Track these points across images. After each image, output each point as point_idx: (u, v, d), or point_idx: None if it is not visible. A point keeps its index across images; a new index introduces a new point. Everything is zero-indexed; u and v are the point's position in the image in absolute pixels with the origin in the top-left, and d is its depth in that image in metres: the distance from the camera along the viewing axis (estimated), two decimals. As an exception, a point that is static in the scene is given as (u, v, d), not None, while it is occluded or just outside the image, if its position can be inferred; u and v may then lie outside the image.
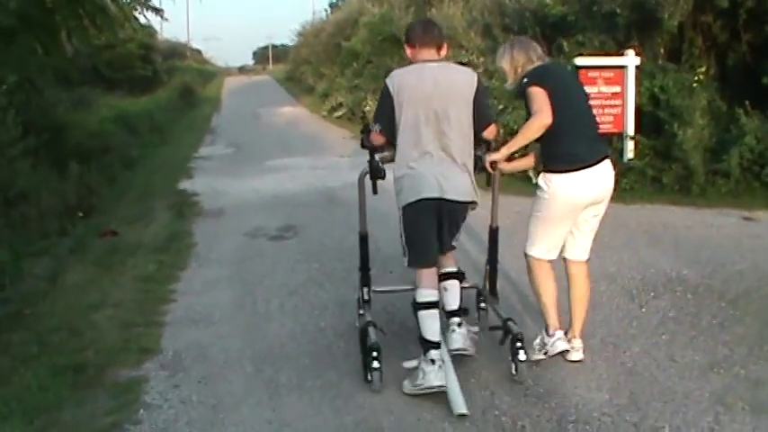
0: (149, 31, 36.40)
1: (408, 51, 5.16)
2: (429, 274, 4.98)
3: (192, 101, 34.21)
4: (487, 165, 5.12)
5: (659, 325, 6.09)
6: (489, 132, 5.11)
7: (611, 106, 11.89)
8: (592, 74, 11.85)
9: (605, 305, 6.55)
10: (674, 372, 5.20)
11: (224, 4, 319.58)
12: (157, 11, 11.71)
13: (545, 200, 5.13)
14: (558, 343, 5.29)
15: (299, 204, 11.52)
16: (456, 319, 5.18)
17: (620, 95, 11.87)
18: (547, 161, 5.10)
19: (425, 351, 4.82)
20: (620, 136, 12.00)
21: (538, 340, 5.41)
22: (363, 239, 5.66)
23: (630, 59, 11.84)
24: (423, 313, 4.85)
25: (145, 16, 14.00)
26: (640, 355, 5.50)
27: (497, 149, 5.15)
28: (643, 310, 6.45)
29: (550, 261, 5.35)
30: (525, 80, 5.07)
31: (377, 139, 5.07)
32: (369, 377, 5.01)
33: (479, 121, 4.99)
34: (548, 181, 5.08)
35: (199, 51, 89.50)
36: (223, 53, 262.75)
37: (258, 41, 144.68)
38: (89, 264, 8.49)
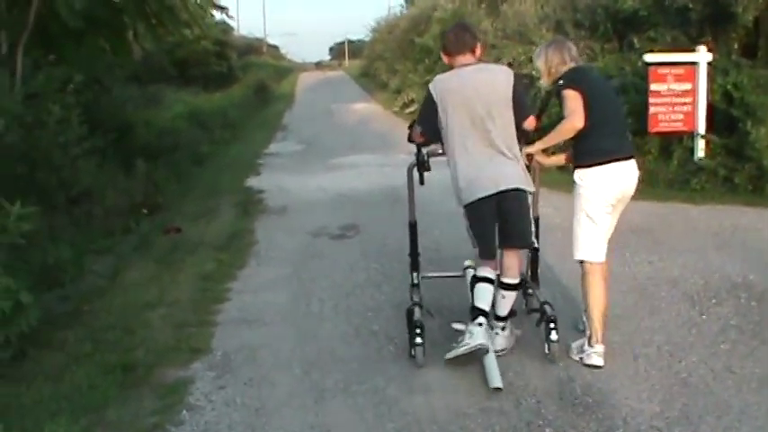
0: (224, 27, 36.89)
1: (445, 59, 5.48)
2: (488, 260, 5.36)
3: (265, 97, 34.41)
4: (523, 157, 5.41)
5: (719, 333, 5.88)
6: (529, 123, 5.41)
7: (681, 104, 11.58)
8: (662, 70, 11.57)
9: (664, 311, 6.36)
10: (732, 384, 5.00)
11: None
12: (222, 9, 11.72)
13: (581, 195, 5.33)
14: (594, 356, 5.34)
15: (364, 203, 11.48)
16: (501, 324, 5.46)
17: (692, 93, 11.54)
18: (579, 157, 5.33)
19: (474, 317, 5.20)
20: (691, 134, 11.70)
21: (579, 343, 5.51)
22: (413, 227, 6.13)
23: (702, 55, 11.50)
24: (479, 285, 5.26)
25: (226, 14, 13.96)
26: (697, 364, 5.31)
27: (532, 143, 5.52)
28: (704, 317, 6.24)
29: (601, 264, 5.45)
30: (561, 82, 5.31)
31: (418, 138, 5.56)
32: (413, 352, 5.38)
33: (519, 115, 5.30)
34: (582, 176, 5.30)
35: (276, 47, 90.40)
36: (300, 49, 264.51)
37: (335, 37, 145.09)
38: (150, 261, 8.57)
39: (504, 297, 5.40)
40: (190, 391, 5.18)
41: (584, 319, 5.54)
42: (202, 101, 24.67)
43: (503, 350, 5.42)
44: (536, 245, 5.77)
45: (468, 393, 4.98)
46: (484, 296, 5.24)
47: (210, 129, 20.57)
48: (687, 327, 6.03)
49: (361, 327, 6.28)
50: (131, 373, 5.48)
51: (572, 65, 5.42)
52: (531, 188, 5.38)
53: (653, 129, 11.69)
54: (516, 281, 5.44)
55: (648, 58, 11.75)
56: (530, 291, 6.15)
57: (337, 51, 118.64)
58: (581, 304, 5.73)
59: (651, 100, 11.61)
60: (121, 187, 10.36)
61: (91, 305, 7.07)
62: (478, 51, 5.39)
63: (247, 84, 34.66)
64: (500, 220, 5.29)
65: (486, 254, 5.36)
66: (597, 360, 5.31)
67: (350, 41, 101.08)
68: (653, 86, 11.61)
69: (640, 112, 11.72)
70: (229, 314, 6.76)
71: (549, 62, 5.45)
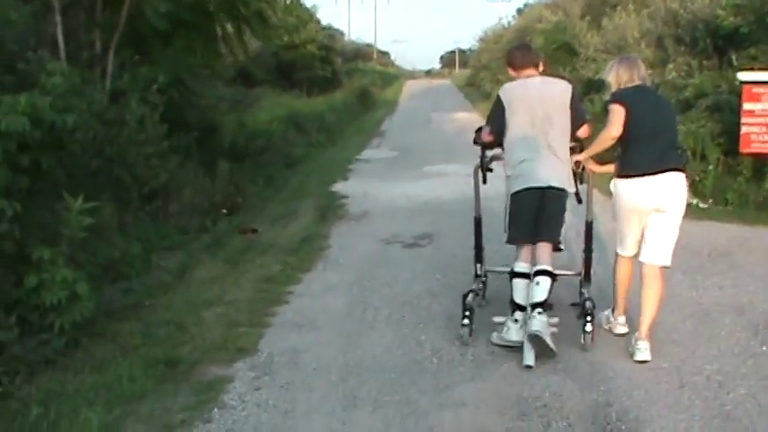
0: (330, 33, 37.39)
1: (511, 72, 6.25)
2: (526, 251, 5.96)
3: (367, 103, 34.69)
4: (573, 164, 6.06)
5: (776, 366, 5.64)
6: (583, 131, 6.11)
7: (776, 124, 11.17)
8: (756, 89, 11.18)
9: (723, 339, 6.14)
10: (776, 421, 4.80)
11: (414, 7, 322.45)
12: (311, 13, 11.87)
13: (615, 201, 5.93)
14: (619, 327, 6.19)
15: (445, 212, 11.42)
16: (538, 309, 5.68)
17: (790, 113, 11.12)
18: (617, 167, 5.86)
19: (512, 311, 5.80)
20: (788, 156, 11.31)
21: (606, 313, 6.31)
22: (477, 222, 6.68)
23: (801, 74, 11.10)
24: (516, 281, 5.85)
25: (312, 19, 14.15)
26: (744, 398, 5.11)
27: (581, 150, 6.11)
28: (764, 348, 5.99)
29: (629, 258, 6.06)
30: (610, 97, 5.85)
31: (486, 137, 6.21)
32: (461, 332, 6.00)
33: (575, 122, 6.01)
34: (615, 185, 5.86)
35: (386, 53, 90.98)
36: (411, 56, 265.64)
37: (446, 45, 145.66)
38: (220, 261, 8.73)
39: (538, 283, 5.76)
40: (226, 390, 5.25)
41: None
42: (302, 104, 24.99)
43: (538, 331, 5.56)
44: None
45: (500, 412, 4.91)
46: (520, 291, 5.81)
47: (307, 132, 20.84)
48: (743, 357, 5.79)
49: (408, 337, 6.26)
50: (173, 368, 5.59)
51: (638, 83, 5.83)
52: (571, 189, 6.04)
53: (744, 149, 11.35)
54: (547, 267, 5.83)
55: (743, 76, 11.41)
56: (582, 290, 6.45)
57: (447, 60, 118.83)
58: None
59: (744, 119, 11.26)
60: (200, 186, 10.56)
61: (152, 300, 7.24)
62: (541, 67, 6.20)
63: (350, 89, 35.00)
64: (538, 214, 5.91)
65: (516, 237, 6.05)
66: (621, 329, 6.16)
67: (460, 51, 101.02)
68: (746, 105, 11.26)
69: (734, 131, 11.39)
70: (284, 317, 6.83)
71: (619, 78, 5.86)
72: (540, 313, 5.65)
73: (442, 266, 8.36)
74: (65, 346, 5.80)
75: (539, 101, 5.95)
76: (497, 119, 6.10)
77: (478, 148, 6.51)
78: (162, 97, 9.84)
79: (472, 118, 29.02)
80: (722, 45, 14.35)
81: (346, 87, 35.73)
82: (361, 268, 8.42)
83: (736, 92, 11.92)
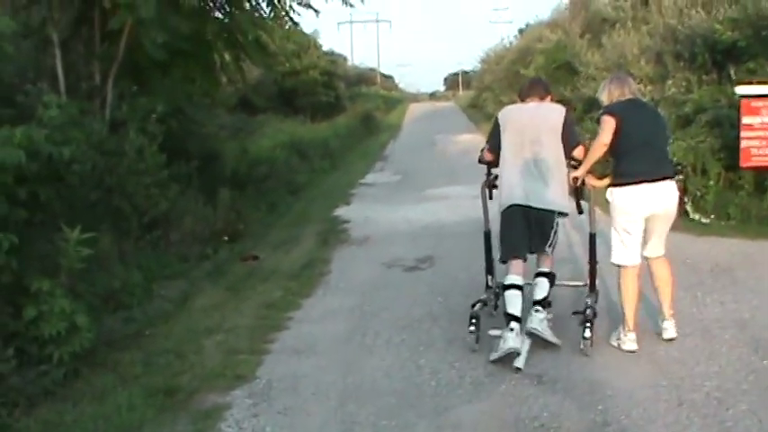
0: (333, 58, 37.52)
1: (519, 103, 6.68)
2: (515, 265, 6.24)
3: (371, 127, 34.79)
4: (570, 180, 6.31)
5: (777, 382, 5.62)
6: (578, 152, 6.33)
7: (775, 138, 11.15)
8: (755, 103, 11.14)
9: (724, 356, 6.11)
10: (776, 437, 4.77)
11: (417, 31, 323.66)
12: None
13: (613, 210, 6.20)
14: (628, 343, 6.22)
15: (446, 235, 11.43)
16: (537, 307, 6.15)
17: (789, 127, 11.10)
18: (612, 177, 6.20)
19: (507, 322, 6.02)
20: (785, 171, 11.28)
21: (616, 331, 6.37)
22: (487, 236, 7.02)
23: (801, 87, 11.09)
24: (508, 293, 6.13)
25: (315, 45, 14.24)
26: (745, 414, 5.07)
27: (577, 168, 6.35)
28: (765, 363, 5.96)
29: (634, 267, 6.25)
30: (603, 110, 6.24)
31: (487, 155, 6.65)
32: (468, 339, 6.30)
33: (568, 145, 6.27)
34: (612, 194, 6.16)
35: (390, 77, 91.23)
36: (415, 79, 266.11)
37: (450, 67, 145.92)
38: (221, 288, 8.76)
39: (537, 284, 6.25)
40: (224, 418, 5.26)
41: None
42: (305, 130, 25.09)
43: (536, 329, 6.05)
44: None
45: (496, 434, 4.91)
46: (513, 302, 6.07)
47: (310, 158, 20.90)
48: (744, 373, 5.75)
49: (407, 360, 6.26)
50: (173, 397, 5.61)
51: (630, 97, 6.25)
52: (564, 210, 6.33)
53: (744, 163, 11.30)
54: (547, 269, 6.31)
55: (741, 90, 11.38)
56: (587, 300, 6.63)
57: (451, 82, 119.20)
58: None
59: (743, 134, 11.20)
60: (201, 214, 10.60)
61: (153, 329, 7.26)
62: (548, 100, 6.59)
63: (354, 114, 35.11)
64: (530, 231, 6.24)
65: (507, 254, 6.30)
66: (631, 346, 6.19)
67: (464, 72, 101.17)
68: (745, 119, 11.21)
69: (734, 146, 11.39)
70: (283, 343, 6.84)
71: (611, 95, 6.28)
72: (537, 311, 6.13)
73: (442, 289, 8.35)
74: (64, 376, 5.83)
75: (530, 123, 6.32)
76: (495, 137, 6.51)
77: (483, 168, 6.91)
78: (161, 127, 9.89)
79: (475, 139, 29.02)
80: (721, 60, 14.35)
81: (350, 112, 35.85)
82: (362, 292, 8.43)
83: (736, 106, 11.91)
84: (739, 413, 5.09)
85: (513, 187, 6.27)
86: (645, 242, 6.32)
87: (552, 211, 6.23)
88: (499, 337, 6.07)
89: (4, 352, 5.55)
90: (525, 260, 6.32)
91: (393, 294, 8.28)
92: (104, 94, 10.27)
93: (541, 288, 6.25)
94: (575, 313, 6.57)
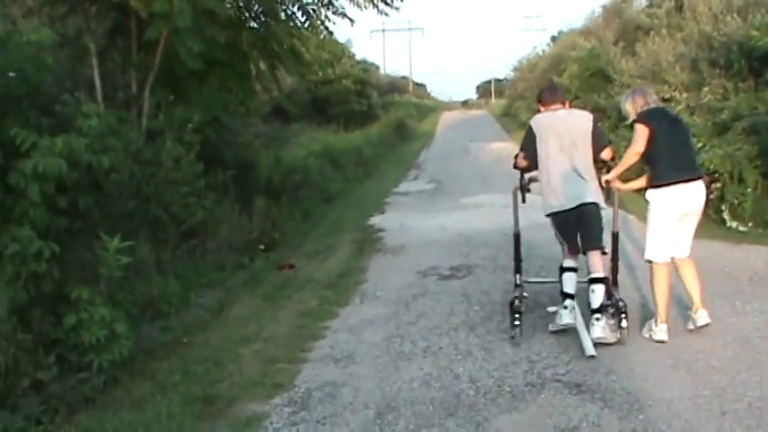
0: (365, 67, 37.55)
1: (540, 107, 7.20)
2: (570, 252, 6.82)
3: (404, 135, 34.82)
4: (603, 182, 6.89)
5: (821, 392, 5.53)
6: (606, 154, 6.95)
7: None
8: (793, 110, 11.06)
9: (765, 365, 6.01)
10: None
11: (449, 39, 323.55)
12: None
13: (651, 210, 6.65)
14: (659, 333, 6.60)
15: (481, 243, 11.38)
16: (597, 315, 6.48)
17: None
18: (651, 180, 6.66)
19: (563, 299, 6.70)
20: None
21: (648, 325, 6.77)
22: (517, 237, 7.45)
23: (838, 95, 10.99)
24: (565, 274, 6.76)
25: (348, 54, 14.31)
26: (788, 424, 5.02)
27: (608, 170, 6.95)
28: (809, 373, 5.89)
29: (666, 264, 6.67)
30: (636, 117, 6.72)
31: (521, 162, 7.13)
32: (512, 333, 6.76)
33: (598, 147, 6.87)
34: (651, 195, 6.62)
35: (422, 86, 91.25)
36: (447, 87, 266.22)
37: (482, 75, 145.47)
38: (257, 297, 8.79)
39: (593, 291, 6.58)
40: (263, 426, 5.28)
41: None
42: (338, 139, 25.13)
43: (602, 338, 6.40)
44: (606, 249, 6.88)
45: (537, 446, 4.88)
46: (568, 282, 6.73)
47: (343, 167, 20.94)
48: (786, 383, 5.70)
49: (445, 369, 6.24)
50: (212, 405, 5.64)
51: (653, 106, 6.78)
52: (602, 203, 6.83)
53: (783, 171, 11.22)
54: (602, 275, 6.63)
55: (777, 96, 11.30)
56: (610, 292, 6.87)
57: (483, 90, 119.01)
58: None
59: (781, 141, 11.14)
60: (237, 223, 10.64)
61: (190, 337, 7.30)
62: (567, 104, 7.21)
63: (386, 122, 35.15)
64: (580, 227, 6.76)
65: (573, 249, 6.82)
66: (662, 336, 6.58)
67: (496, 80, 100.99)
68: (783, 126, 11.14)
69: (774, 153, 11.30)
70: (321, 351, 6.85)
71: (635, 104, 6.81)
72: (598, 319, 6.47)
73: (479, 298, 8.32)
74: (103, 384, 5.88)
75: (565, 129, 6.85)
76: (530, 146, 6.98)
77: (515, 175, 7.32)
78: (197, 136, 9.96)
79: (508, 147, 28.89)
80: (757, 66, 14.20)
81: (383, 121, 35.87)
82: (398, 301, 8.41)
83: (773, 113, 11.82)
84: (783, 424, 5.02)
85: (560, 193, 6.77)
86: (675, 242, 6.72)
87: (598, 204, 6.78)
88: (555, 312, 6.82)
89: (45, 359, 5.60)
90: (579, 251, 6.83)
91: (429, 303, 8.26)
92: (141, 104, 10.37)
93: (599, 296, 6.57)
94: (607, 306, 6.65)
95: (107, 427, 5.27)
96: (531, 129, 7.03)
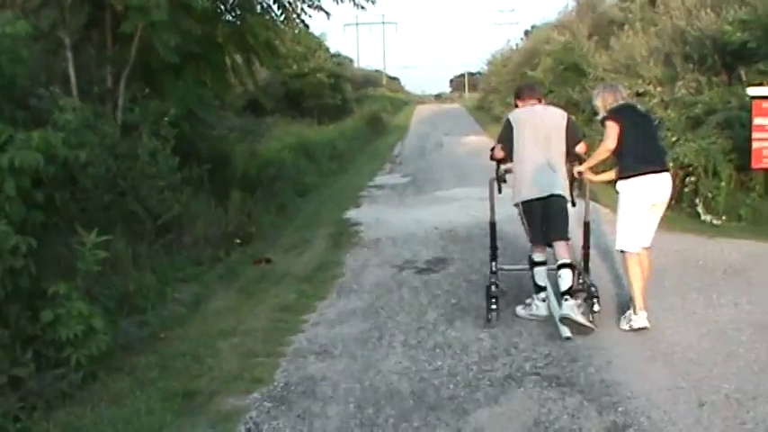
0: (339, 61, 37.46)
1: (518, 103, 7.58)
2: (540, 246, 7.18)
3: (378, 129, 34.79)
4: (576, 173, 7.22)
5: (797, 382, 5.60)
6: (580, 148, 7.28)
7: (786, 139, 11.14)
8: (767, 104, 11.14)
9: (741, 357, 6.08)
10: (798, 438, 4.75)
11: (422, 33, 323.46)
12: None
13: (621, 200, 6.90)
14: (639, 320, 6.78)
15: (457, 236, 11.41)
16: (566, 296, 6.81)
17: (799, 128, 11.10)
18: (619, 172, 6.91)
19: (537, 292, 7.11)
20: (796, 171, 11.27)
21: (626, 314, 6.94)
22: (492, 226, 7.69)
23: (813, 87, 11.10)
24: (537, 269, 7.14)
25: (320, 46, 14.27)
26: (766, 416, 5.05)
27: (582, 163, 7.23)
28: (785, 363, 5.95)
29: (637, 253, 6.88)
30: (606, 114, 6.99)
31: (498, 153, 7.39)
32: (488, 317, 7.12)
33: (571, 141, 7.22)
34: (621, 186, 6.86)
35: (396, 79, 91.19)
36: (420, 81, 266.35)
37: (455, 69, 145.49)
38: (234, 291, 8.76)
39: (561, 276, 6.91)
40: (243, 421, 5.25)
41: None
42: (312, 132, 25.07)
43: (568, 315, 6.68)
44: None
45: (516, 439, 4.91)
46: (540, 275, 7.12)
47: (318, 160, 20.90)
48: (763, 374, 5.73)
49: (424, 363, 6.24)
50: (191, 400, 5.60)
51: (621, 102, 7.07)
52: (568, 197, 7.22)
53: (756, 164, 11.30)
54: (568, 261, 6.99)
55: (752, 91, 11.38)
56: (581, 279, 7.25)
57: (457, 84, 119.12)
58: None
59: (754, 135, 11.20)
60: (213, 217, 10.59)
61: (168, 332, 7.25)
62: (543, 102, 7.65)
63: (361, 116, 35.11)
64: (547, 218, 7.10)
65: (537, 239, 7.21)
66: (642, 323, 6.77)
67: (470, 74, 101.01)
68: (756, 120, 11.20)
69: (745, 147, 11.37)
70: (300, 346, 6.83)
71: (605, 100, 7.11)
72: (566, 300, 6.79)
73: (456, 291, 8.35)
74: (82, 380, 5.80)
75: (541, 123, 7.21)
76: (507, 137, 7.29)
77: (490, 169, 7.54)
78: (173, 130, 9.89)
79: (483, 141, 28.98)
80: (731, 61, 14.34)
81: (357, 114, 35.83)
82: (376, 295, 8.41)
83: (747, 107, 11.89)
84: (760, 415, 5.08)
85: (532, 182, 7.10)
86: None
87: (564, 197, 7.17)
88: (530, 304, 7.17)
89: (22, 355, 5.54)
90: (545, 243, 7.19)
91: (407, 297, 8.27)
92: (116, 98, 10.28)
93: (566, 279, 6.89)
94: (578, 291, 7.02)
95: (86, 423, 5.23)
96: (508, 122, 7.35)
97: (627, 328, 6.81)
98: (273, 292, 8.64)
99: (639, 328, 6.73)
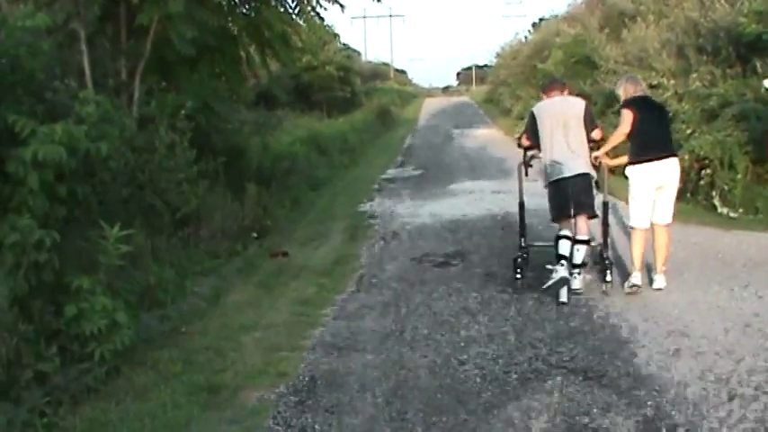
0: (348, 54, 37.34)
1: (543, 96, 8.48)
2: (565, 222, 7.82)
3: (387, 122, 34.72)
4: (593, 159, 7.91)
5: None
6: (596, 134, 8.00)
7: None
8: (782, 95, 11.08)
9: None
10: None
11: (429, 25, 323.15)
12: (335, 35, 11.93)
13: (630, 183, 7.81)
14: (634, 278, 7.73)
15: (473, 230, 11.38)
16: (578, 270, 7.65)
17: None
18: (629, 157, 7.80)
19: (558, 260, 7.57)
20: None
21: (627, 280, 7.79)
22: (521, 205, 8.49)
23: (828, 80, 11.04)
24: (561, 241, 7.68)
25: (338, 41, 14.24)
26: (775, 409, 5.01)
27: (598, 148, 8.02)
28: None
29: (645, 230, 7.79)
30: (622, 103, 7.94)
31: (525, 141, 8.31)
32: (517, 285, 7.97)
33: (588, 128, 7.91)
34: (630, 170, 7.78)
35: (403, 72, 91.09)
36: (428, 74, 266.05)
37: (463, 61, 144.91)
38: (252, 285, 8.73)
39: (578, 250, 7.63)
40: (271, 415, 5.22)
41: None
42: (323, 126, 25.02)
43: (578, 289, 7.61)
44: (598, 215, 7.96)
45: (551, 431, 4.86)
46: (563, 246, 7.64)
47: (329, 153, 20.85)
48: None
49: (450, 356, 6.21)
50: (216, 394, 5.57)
51: (640, 93, 7.98)
52: (594, 174, 7.90)
53: (771, 156, 11.26)
54: (586, 237, 7.76)
55: (768, 83, 11.33)
56: (601, 252, 8.11)
57: (464, 77, 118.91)
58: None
59: (771, 126, 11.18)
60: (230, 211, 10.55)
61: (189, 326, 7.22)
62: (566, 92, 8.34)
63: (370, 109, 35.02)
64: (573, 195, 7.72)
65: (558, 218, 7.92)
66: (636, 280, 7.70)
67: (477, 67, 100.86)
68: (773, 112, 11.17)
69: (761, 139, 11.31)
70: (322, 339, 6.80)
71: (626, 91, 7.97)
72: (579, 273, 7.65)
73: (476, 285, 8.31)
74: (106, 374, 5.78)
75: (560, 112, 7.94)
76: (532, 128, 8.10)
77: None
78: (190, 123, 9.85)
79: (493, 134, 29.07)
80: (745, 53, 14.25)
81: (366, 107, 35.73)
82: (396, 288, 8.38)
83: (762, 99, 11.85)
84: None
85: (557, 165, 7.78)
86: (654, 210, 7.76)
87: (590, 174, 7.85)
88: (552, 270, 7.55)
89: (47, 350, 5.51)
90: (571, 217, 7.81)
91: (427, 290, 8.23)
92: (131, 91, 10.23)
93: (581, 254, 7.65)
94: (595, 263, 8.15)
95: (112, 419, 5.19)
96: (533, 114, 8.20)
97: (628, 289, 7.71)
98: (292, 286, 8.61)
99: (633, 285, 7.67)
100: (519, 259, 8.11)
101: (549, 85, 8.58)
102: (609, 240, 8.32)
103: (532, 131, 8.12)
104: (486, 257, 9.49)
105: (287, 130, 20.92)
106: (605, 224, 8.20)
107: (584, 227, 7.82)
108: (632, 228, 7.96)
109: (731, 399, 5.18)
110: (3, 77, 6.35)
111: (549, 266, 7.63)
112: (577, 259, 7.64)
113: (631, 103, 7.83)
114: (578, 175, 7.77)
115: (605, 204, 8.16)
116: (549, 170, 7.90)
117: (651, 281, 7.86)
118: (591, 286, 7.89)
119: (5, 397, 5.17)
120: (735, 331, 6.50)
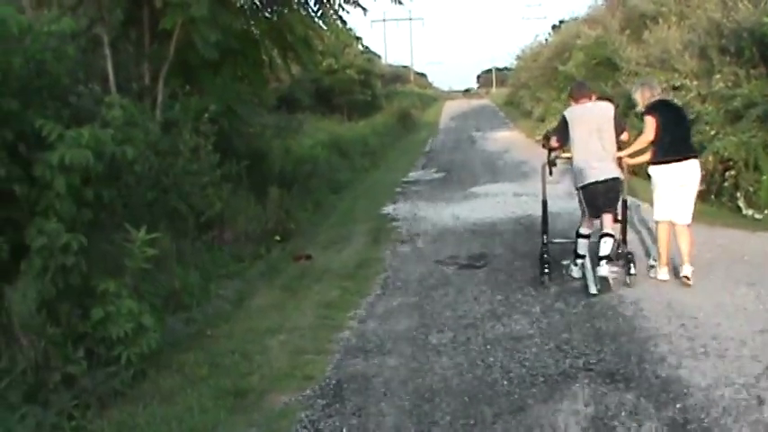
0: (369, 57, 37.33)
1: (571, 101, 8.64)
2: (588, 222, 8.35)
3: (408, 125, 34.71)
4: (615, 159, 8.18)
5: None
6: (624, 136, 8.33)
7: (830, 133, 10.98)
8: (808, 98, 10.97)
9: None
10: None
11: (448, 28, 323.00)
12: (357, 38, 11.95)
13: (653, 182, 8.12)
14: (660, 274, 8.12)
15: (496, 232, 11.35)
16: (604, 260, 7.88)
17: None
18: (652, 158, 8.07)
19: (575, 258, 8.40)
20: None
21: (653, 269, 8.27)
22: (544, 204, 8.78)
23: None
24: (580, 240, 8.38)
25: (361, 44, 14.23)
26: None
27: (621, 149, 8.33)
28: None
29: (668, 222, 8.04)
30: (644, 109, 8.18)
31: (554, 144, 8.54)
32: (542, 279, 8.28)
33: (618, 131, 8.19)
34: (652, 170, 8.08)
35: (424, 75, 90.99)
36: (447, 77, 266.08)
37: (483, 64, 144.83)
38: (276, 288, 8.73)
39: (604, 242, 7.94)
40: (298, 419, 5.22)
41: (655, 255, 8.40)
42: (343, 129, 25.04)
43: (604, 277, 7.83)
44: (619, 214, 8.32)
45: (578, 433, 4.83)
46: (582, 245, 8.34)
47: (351, 156, 20.86)
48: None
49: (477, 359, 6.18)
50: (243, 398, 5.58)
51: (657, 97, 8.24)
52: (622, 177, 8.19)
53: (798, 158, 11.17)
54: (610, 231, 8.04)
55: (791, 84, 11.23)
56: (619, 246, 8.36)
57: (484, 79, 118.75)
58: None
59: (796, 128, 11.09)
60: (253, 214, 10.58)
61: (214, 329, 7.23)
62: (593, 97, 8.58)
63: (391, 112, 35.03)
64: (602, 196, 8.05)
65: (591, 215, 8.23)
66: (663, 276, 8.11)
67: (497, 69, 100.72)
68: (798, 114, 11.08)
69: (788, 141, 11.23)
70: (348, 343, 6.79)
71: (643, 96, 8.26)
72: (606, 263, 7.87)
73: (501, 287, 8.28)
74: (132, 377, 5.81)
75: (592, 117, 8.22)
76: (563, 131, 8.37)
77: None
78: (213, 126, 9.87)
79: (515, 136, 28.97)
80: (768, 53, 14.10)
81: (387, 110, 35.74)
82: (420, 291, 8.37)
83: (787, 101, 11.74)
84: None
85: (591, 169, 8.03)
86: (675, 210, 7.97)
87: (618, 178, 8.12)
88: (568, 265, 8.40)
89: (74, 353, 5.53)
90: (597, 217, 8.22)
91: (451, 293, 8.21)
92: (155, 95, 10.27)
93: (607, 246, 7.94)
94: (618, 257, 8.23)
95: (140, 422, 5.21)
96: (564, 118, 8.42)
97: (653, 275, 8.21)
98: (316, 289, 8.61)
99: (661, 280, 8.05)
100: (545, 255, 8.46)
101: (578, 92, 8.69)
102: (627, 238, 8.62)
103: (562, 134, 8.41)
104: (510, 260, 9.45)
105: (308, 134, 20.95)
106: (624, 221, 8.55)
107: (609, 222, 8.13)
108: (656, 221, 8.21)
109: (761, 403, 5.12)
110: (29, 82, 6.35)
111: (564, 262, 8.46)
112: (604, 251, 7.93)
113: (652, 108, 8.09)
114: (613, 178, 8.08)
115: (624, 202, 8.50)
116: (583, 173, 8.13)
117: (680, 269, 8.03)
118: (615, 283, 7.92)
119: (34, 400, 5.21)
120: (763, 334, 6.42)
